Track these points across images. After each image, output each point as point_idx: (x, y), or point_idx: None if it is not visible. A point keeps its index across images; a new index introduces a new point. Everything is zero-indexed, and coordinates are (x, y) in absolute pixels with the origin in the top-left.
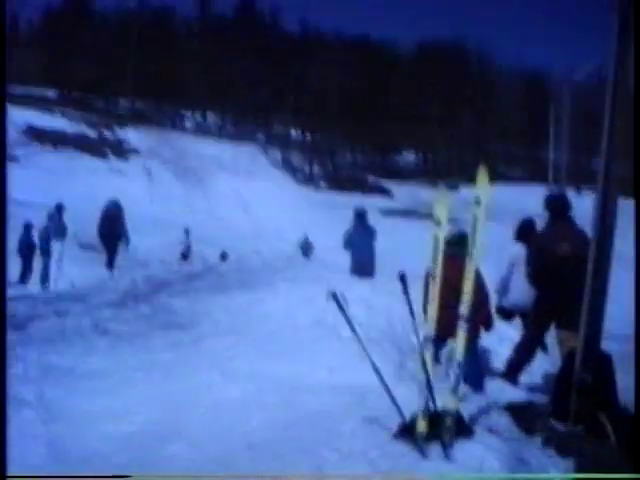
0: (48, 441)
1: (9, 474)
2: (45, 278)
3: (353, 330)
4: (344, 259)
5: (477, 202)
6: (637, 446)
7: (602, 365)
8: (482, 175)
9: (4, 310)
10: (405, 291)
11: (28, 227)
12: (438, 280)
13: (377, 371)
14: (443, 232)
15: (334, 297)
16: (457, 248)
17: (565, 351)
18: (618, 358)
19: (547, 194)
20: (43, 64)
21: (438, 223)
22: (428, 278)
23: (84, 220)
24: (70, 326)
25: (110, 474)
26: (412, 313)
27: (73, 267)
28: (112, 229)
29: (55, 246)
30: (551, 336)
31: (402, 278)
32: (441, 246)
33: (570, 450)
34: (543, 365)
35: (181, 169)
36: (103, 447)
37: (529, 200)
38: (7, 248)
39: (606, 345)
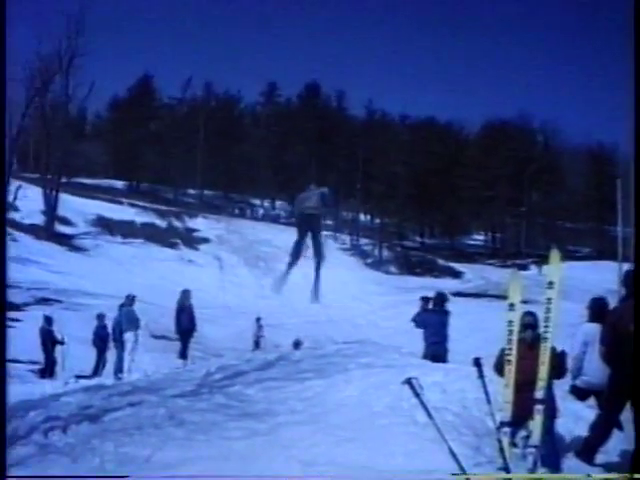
0: None
1: (9, 474)
2: (119, 369)
3: (429, 415)
4: (417, 344)
5: (550, 284)
6: (637, 447)
7: None
8: (554, 256)
9: (4, 310)
10: (480, 375)
11: (101, 318)
12: (513, 364)
13: (454, 456)
14: (517, 315)
15: (409, 383)
16: (531, 332)
17: None
18: None
19: (627, 270)
20: (111, 156)
21: (512, 306)
22: (502, 357)
23: (156, 310)
24: (145, 417)
25: None
26: (488, 397)
27: (146, 357)
28: (186, 320)
29: (128, 337)
30: (627, 414)
31: (477, 363)
32: (516, 329)
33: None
34: (619, 444)
35: (251, 257)
36: None
37: (598, 277)
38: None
39: None
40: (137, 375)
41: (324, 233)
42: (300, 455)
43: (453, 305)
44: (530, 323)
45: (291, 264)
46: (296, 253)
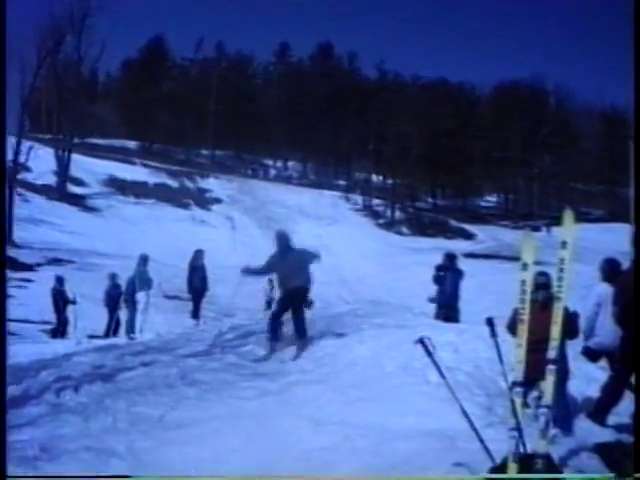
0: None
1: (9, 474)
2: (131, 329)
3: (441, 375)
4: (429, 304)
5: (563, 244)
6: (637, 446)
7: None
8: (568, 217)
9: (4, 310)
10: (493, 335)
11: (113, 278)
12: (526, 324)
13: (466, 415)
14: (530, 275)
15: (422, 342)
16: (544, 291)
17: None
18: None
19: (634, 231)
20: (123, 116)
21: (525, 266)
22: (515, 317)
23: (168, 270)
24: (158, 376)
25: None
26: (500, 357)
27: (158, 317)
28: (199, 280)
29: (140, 297)
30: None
31: (490, 322)
32: (528, 289)
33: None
34: (631, 405)
35: (263, 217)
36: None
37: (611, 239)
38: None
39: None
40: (149, 335)
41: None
42: (311, 414)
43: (465, 266)
44: (543, 283)
45: (272, 346)
46: (274, 331)
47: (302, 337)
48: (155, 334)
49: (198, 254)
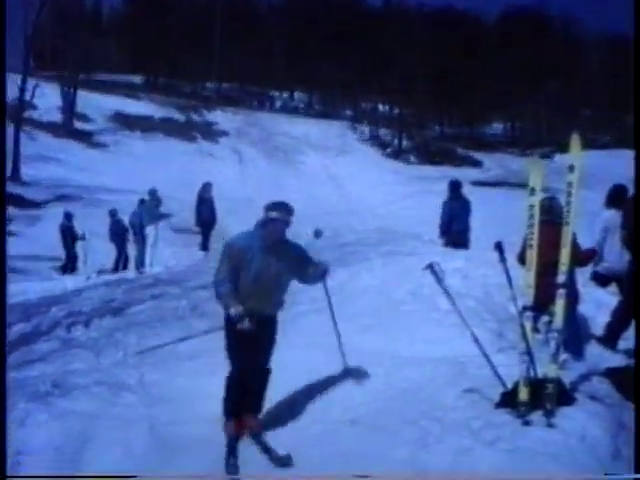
0: (150, 426)
1: (9, 474)
2: (140, 263)
3: (451, 300)
4: (437, 232)
5: (571, 169)
6: (637, 445)
7: None
8: (575, 142)
9: (4, 310)
10: (502, 259)
11: (113, 214)
12: (535, 248)
13: (477, 341)
14: (538, 200)
15: (431, 268)
16: (552, 215)
17: None
18: None
19: (637, 157)
20: (128, 50)
21: (532, 191)
22: (525, 246)
23: (177, 204)
24: (168, 309)
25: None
26: (510, 281)
27: (167, 251)
28: (207, 212)
29: (149, 230)
30: None
31: (499, 246)
32: (536, 214)
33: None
34: None
35: (270, 149)
36: (204, 429)
37: (618, 166)
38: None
39: None
40: (159, 268)
41: None
42: (321, 341)
43: (473, 194)
44: (551, 206)
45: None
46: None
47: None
48: (164, 267)
49: (206, 187)
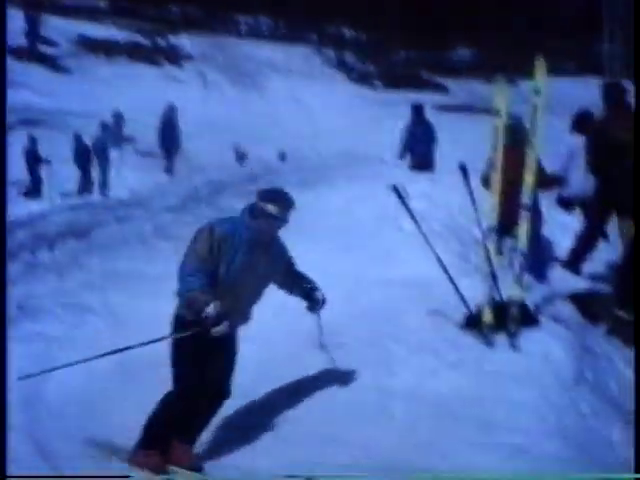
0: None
1: (9, 474)
2: (104, 186)
3: (415, 222)
4: (403, 156)
5: (536, 92)
6: (637, 445)
7: None
8: (540, 66)
9: (4, 309)
10: (466, 182)
11: (78, 137)
12: (499, 171)
13: (441, 263)
14: (503, 122)
15: (395, 190)
16: (517, 139)
17: (628, 240)
18: None
19: (604, 83)
20: None
21: (497, 114)
22: (489, 169)
23: (141, 127)
24: (131, 232)
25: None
26: (474, 204)
27: (132, 174)
28: (170, 133)
29: (113, 154)
30: (614, 225)
31: (463, 168)
32: (501, 136)
33: (635, 339)
34: (606, 255)
35: (235, 73)
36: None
37: (584, 93)
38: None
39: None
40: (123, 192)
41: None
42: None
43: (438, 119)
44: (516, 130)
45: None
46: None
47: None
48: (128, 190)
49: (170, 110)
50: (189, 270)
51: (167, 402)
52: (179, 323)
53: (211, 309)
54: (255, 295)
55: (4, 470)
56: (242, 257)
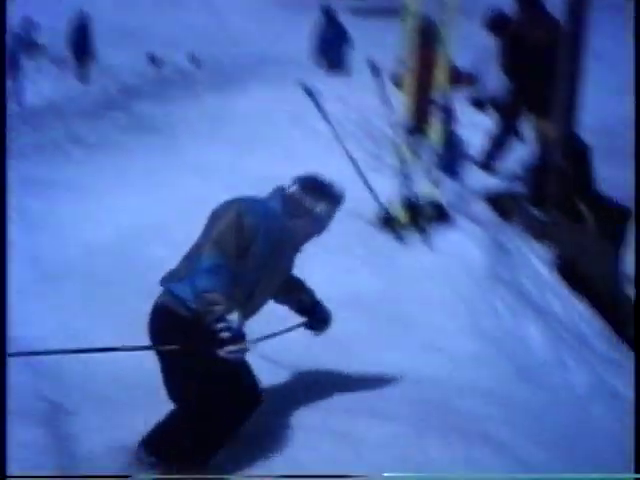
0: (33, 256)
1: (9, 474)
2: (17, 95)
3: (328, 122)
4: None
5: None
6: (637, 445)
7: (579, 153)
8: None
9: (5, 308)
10: (377, 80)
11: None
12: (411, 70)
13: (353, 161)
14: (414, 22)
15: (307, 90)
16: (429, 38)
17: (542, 140)
18: (597, 150)
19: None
20: None
21: (409, 13)
22: (400, 69)
23: (53, 34)
24: (45, 139)
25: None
26: (386, 101)
27: (45, 82)
28: (82, 40)
29: (25, 62)
30: (528, 125)
31: (373, 66)
32: (413, 36)
33: (549, 236)
34: (520, 154)
35: None
36: (85, 254)
37: None
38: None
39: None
40: (37, 100)
41: None
42: (200, 167)
43: (352, 22)
44: (428, 29)
45: None
46: None
47: None
48: (42, 99)
49: (81, 17)
50: (208, 264)
51: (175, 425)
52: (178, 323)
53: (236, 321)
54: (262, 304)
55: (4, 470)
56: (264, 260)
